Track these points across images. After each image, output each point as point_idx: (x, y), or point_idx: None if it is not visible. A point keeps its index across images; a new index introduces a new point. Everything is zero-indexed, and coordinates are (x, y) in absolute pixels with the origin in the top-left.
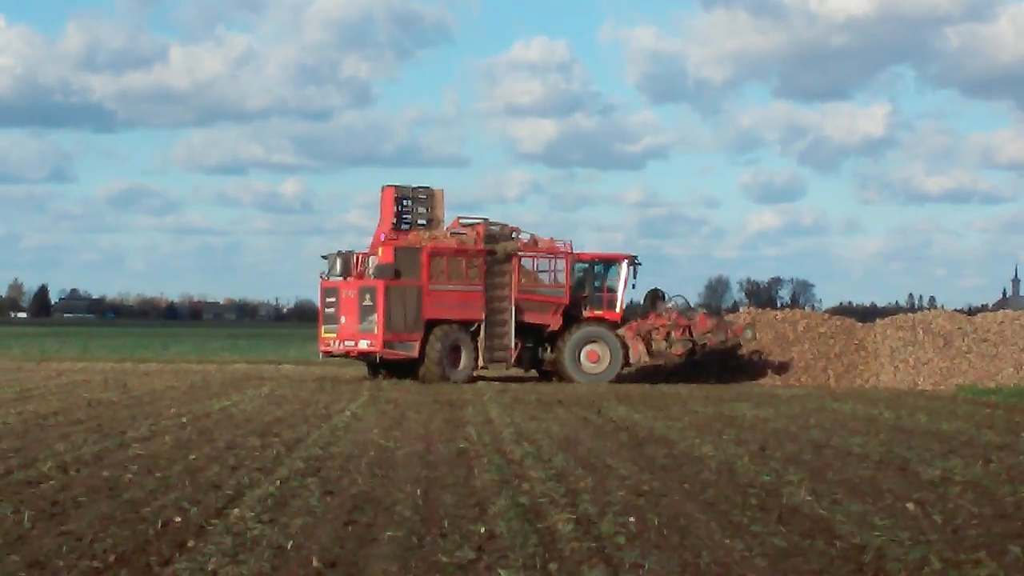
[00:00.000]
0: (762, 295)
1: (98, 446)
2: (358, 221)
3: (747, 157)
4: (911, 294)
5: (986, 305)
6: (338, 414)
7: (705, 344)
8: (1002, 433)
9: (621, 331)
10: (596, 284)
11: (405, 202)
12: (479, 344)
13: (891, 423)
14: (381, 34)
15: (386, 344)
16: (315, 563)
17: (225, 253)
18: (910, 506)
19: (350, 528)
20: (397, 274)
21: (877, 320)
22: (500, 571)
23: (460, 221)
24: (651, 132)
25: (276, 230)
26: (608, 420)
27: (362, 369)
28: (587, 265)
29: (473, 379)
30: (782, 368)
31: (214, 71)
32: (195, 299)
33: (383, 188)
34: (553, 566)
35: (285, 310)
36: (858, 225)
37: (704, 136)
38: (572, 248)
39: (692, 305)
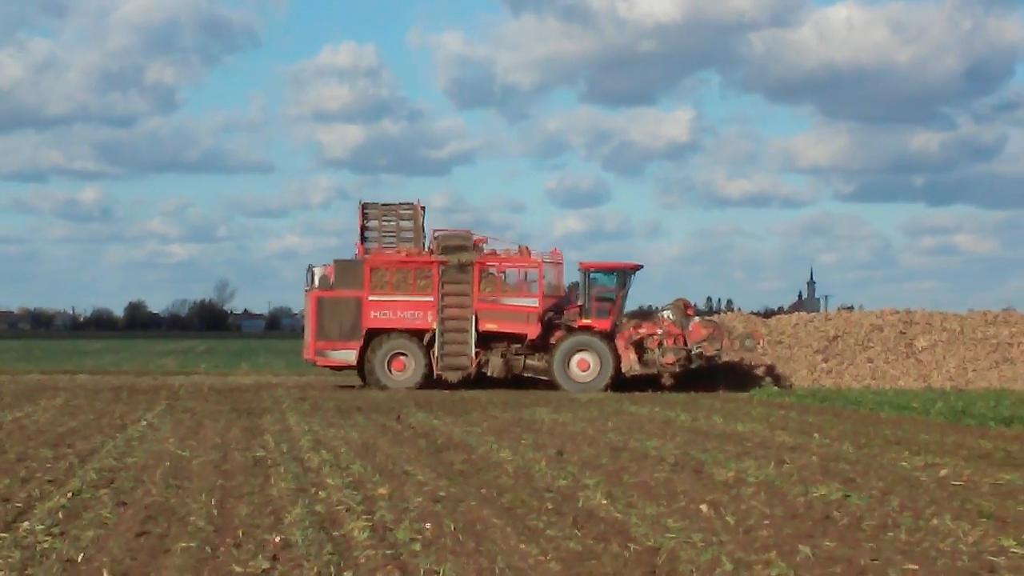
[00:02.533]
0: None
1: None
2: (160, 229)
3: (553, 162)
4: (709, 297)
5: (782, 307)
6: (133, 424)
7: (701, 353)
8: (795, 434)
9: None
10: (590, 293)
11: (387, 218)
12: (433, 353)
13: (687, 425)
14: (187, 39)
15: (318, 352)
16: (106, 575)
17: (22, 262)
18: (704, 508)
19: (142, 539)
20: (332, 286)
21: None
22: None
23: (434, 232)
24: (458, 138)
25: (75, 238)
26: (407, 426)
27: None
28: (584, 274)
29: (423, 386)
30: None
31: (14, 77)
32: None
33: (359, 203)
34: (348, 574)
35: (82, 319)
36: (661, 229)
37: (511, 141)
38: (561, 258)
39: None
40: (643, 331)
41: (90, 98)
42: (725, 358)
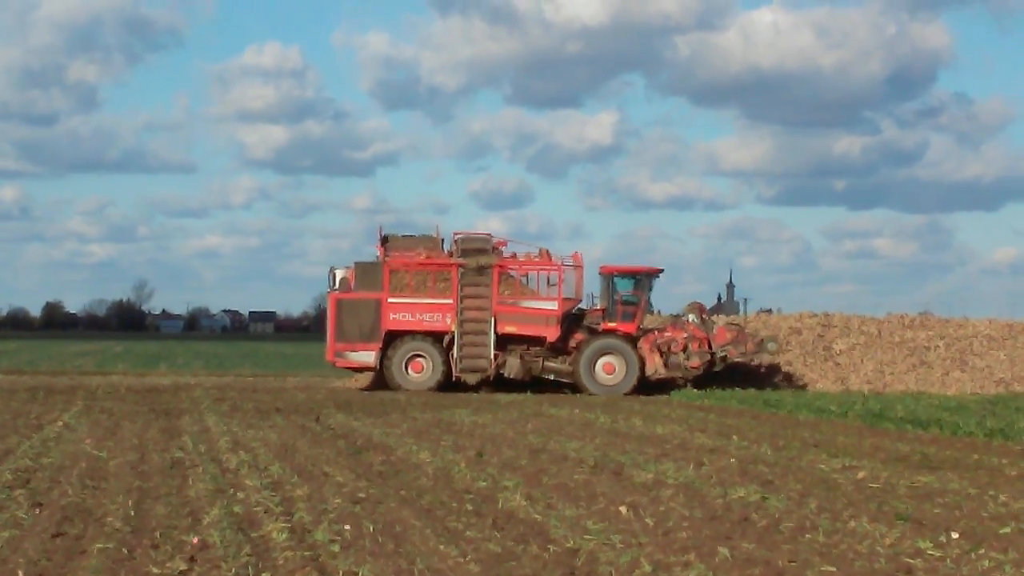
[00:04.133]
0: None
1: None
2: (79, 228)
3: (477, 164)
4: None
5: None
6: (50, 424)
7: (725, 356)
8: (714, 436)
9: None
10: (614, 297)
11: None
12: (452, 354)
13: (607, 427)
14: (110, 37)
15: (337, 354)
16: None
17: None
18: (623, 509)
19: (58, 540)
20: (352, 288)
21: None
22: None
23: (455, 236)
24: (382, 139)
25: None
26: (326, 427)
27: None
28: (606, 278)
29: (443, 388)
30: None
31: None
32: None
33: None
34: (266, 575)
35: None
36: (583, 231)
37: (435, 143)
38: (581, 261)
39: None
40: (668, 335)
41: (10, 96)
42: (749, 361)
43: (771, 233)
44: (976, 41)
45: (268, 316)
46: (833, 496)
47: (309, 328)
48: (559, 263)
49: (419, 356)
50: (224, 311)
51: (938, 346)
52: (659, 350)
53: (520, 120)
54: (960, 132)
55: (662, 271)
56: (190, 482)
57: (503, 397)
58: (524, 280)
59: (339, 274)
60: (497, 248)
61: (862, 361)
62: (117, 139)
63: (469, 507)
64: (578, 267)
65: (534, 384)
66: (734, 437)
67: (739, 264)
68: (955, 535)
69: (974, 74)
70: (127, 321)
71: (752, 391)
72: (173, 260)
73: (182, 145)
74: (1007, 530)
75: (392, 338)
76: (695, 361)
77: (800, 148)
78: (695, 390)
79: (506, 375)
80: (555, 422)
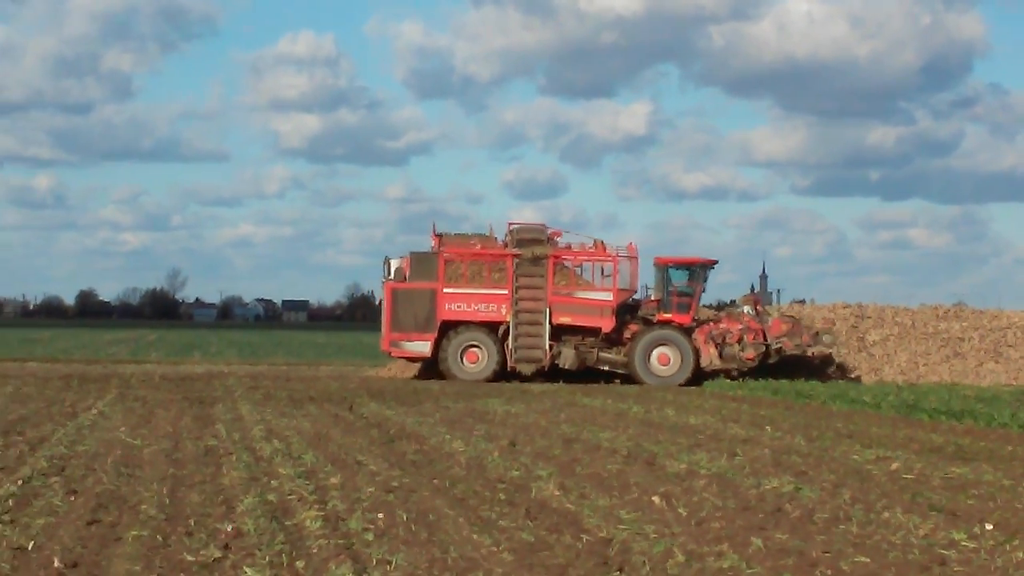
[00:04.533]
0: None
1: None
2: (113, 216)
3: (510, 153)
4: None
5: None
6: (84, 412)
7: (780, 348)
8: (747, 427)
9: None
10: (669, 288)
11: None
12: (507, 345)
13: (640, 417)
14: (145, 27)
15: (392, 343)
16: (56, 564)
17: None
18: (656, 499)
19: (93, 528)
20: (407, 278)
21: None
22: (246, 569)
23: (510, 226)
24: (415, 128)
25: (27, 225)
26: (359, 416)
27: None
28: (661, 269)
29: (497, 378)
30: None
31: None
32: None
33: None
34: (300, 564)
35: (32, 306)
36: (616, 221)
37: (468, 132)
38: (636, 252)
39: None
40: (723, 326)
41: (46, 84)
42: (805, 353)
43: (805, 224)
44: (1012, 31)
45: (301, 305)
46: (867, 487)
47: (342, 317)
48: (614, 254)
49: (474, 346)
50: (257, 300)
51: (972, 337)
52: (714, 341)
53: (553, 110)
54: (995, 122)
55: (717, 262)
56: (224, 470)
57: (536, 387)
58: (579, 271)
59: (394, 264)
60: (552, 239)
61: (895, 352)
62: (151, 128)
63: (502, 496)
64: (633, 258)
65: (587, 375)
66: (767, 428)
67: (772, 255)
68: (989, 526)
69: (1010, 64)
70: (161, 309)
71: (785, 382)
72: (206, 249)
73: (216, 134)
74: None
75: (447, 328)
76: (750, 352)
77: (834, 138)
78: (727, 380)
79: (561, 366)
80: (588, 412)
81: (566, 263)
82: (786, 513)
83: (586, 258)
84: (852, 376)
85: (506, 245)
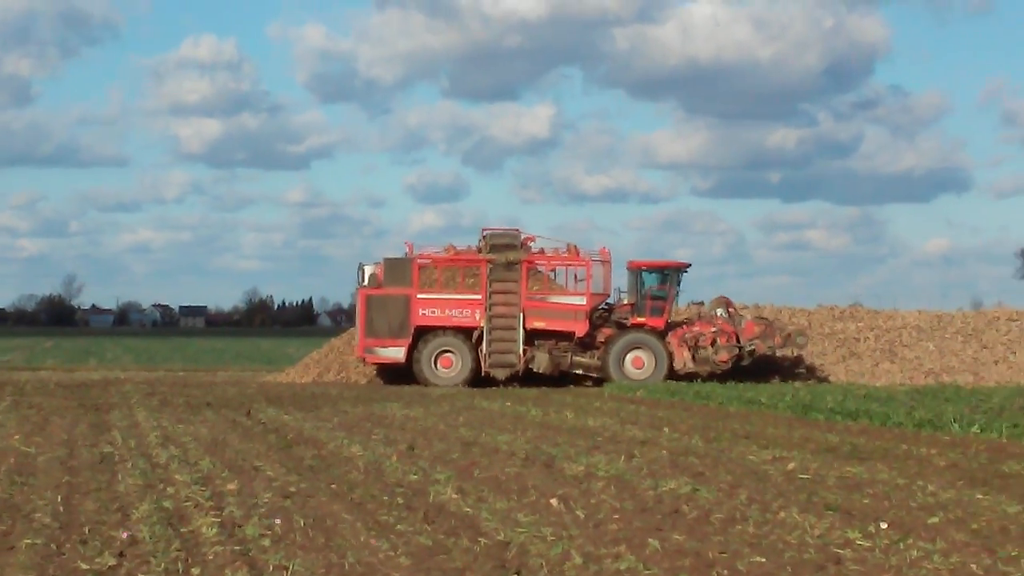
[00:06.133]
0: None
1: None
2: (10, 222)
3: (413, 157)
4: None
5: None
6: None
7: (753, 350)
8: (644, 428)
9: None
10: (642, 291)
11: None
12: (481, 350)
13: (538, 420)
14: (45, 31)
15: (367, 349)
16: None
17: None
18: (554, 502)
19: None
20: (381, 284)
21: None
22: None
23: (483, 231)
24: (317, 132)
25: None
26: (257, 422)
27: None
28: (634, 273)
29: (472, 384)
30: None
31: None
32: None
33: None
34: (196, 571)
35: None
36: (518, 224)
37: (371, 136)
38: (609, 256)
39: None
40: (696, 329)
41: None
42: (776, 354)
43: (705, 225)
44: (913, 34)
45: (199, 310)
46: (763, 487)
47: (240, 322)
48: (587, 258)
49: (448, 352)
50: (154, 305)
51: (868, 337)
52: (687, 344)
53: (456, 113)
54: (895, 124)
55: (690, 265)
56: (119, 477)
57: (435, 391)
58: (552, 276)
59: (368, 270)
60: (525, 244)
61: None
62: (50, 133)
63: (400, 501)
64: (606, 262)
65: (561, 379)
66: (665, 429)
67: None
68: (884, 525)
69: (910, 67)
70: (57, 316)
71: (682, 384)
72: (104, 255)
73: (116, 139)
74: (935, 520)
75: (421, 334)
76: (723, 355)
77: (736, 140)
78: (624, 383)
79: (535, 370)
80: (487, 415)
81: (539, 268)
82: (683, 514)
83: (559, 263)
84: (824, 377)
85: (480, 250)
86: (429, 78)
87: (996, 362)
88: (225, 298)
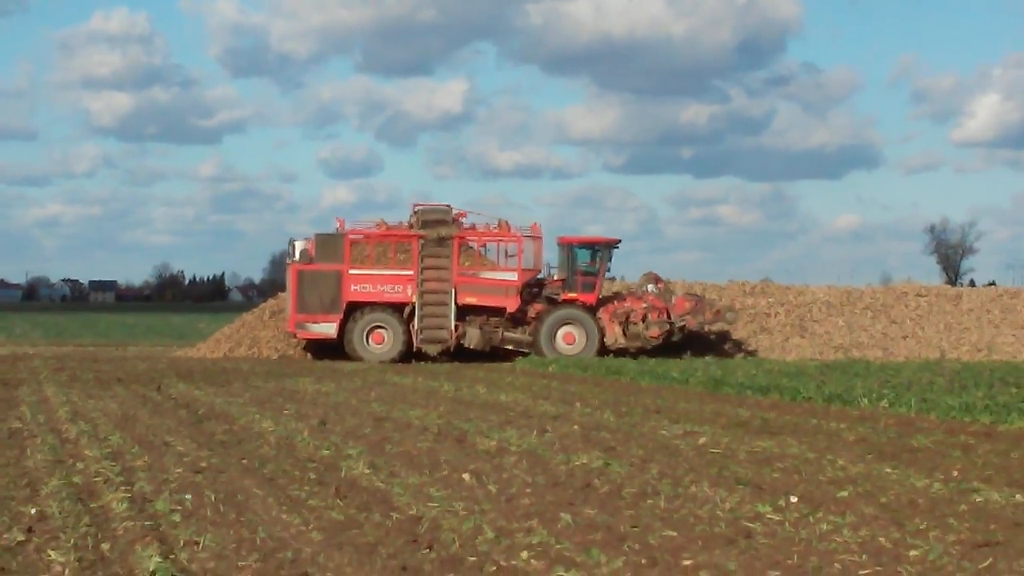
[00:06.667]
0: None
1: None
2: None
3: (326, 132)
4: None
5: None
6: None
7: (684, 326)
8: (557, 404)
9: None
10: (573, 267)
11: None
12: (413, 325)
13: (451, 395)
14: None
15: (298, 325)
16: None
17: None
18: (466, 477)
19: None
20: (313, 259)
21: None
22: (51, 552)
23: (415, 207)
24: (229, 106)
25: None
26: (168, 397)
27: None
28: (565, 248)
29: (405, 359)
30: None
31: None
32: None
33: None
34: (105, 546)
35: None
36: (431, 200)
37: (283, 110)
38: (540, 232)
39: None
40: (627, 305)
41: None
42: (707, 330)
43: (617, 201)
44: (825, 11)
45: (109, 285)
46: (674, 461)
47: (151, 297)
48: (518, 234)
49: (380, 327)
50: (64, 280)
51: (778, 313)
52: (618, 320)
53: (370, 88)
54: (807, 101)
55: (620, 241)
56: (28, 453)
57: (347, 365)
58: (484, 251)
59: (299, 245)
60: (457, 219)
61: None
62: None
63: (312, 476)
64: (537, 238)
65: (492, 355)
66: (577, 404)
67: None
68: (794, 499)
69: (822, 44)
70: None
71: (594, 359)
72: (12, 229)
73: (24, 112)
74: (844, 494)
75: (353, 309)
76: (654, 331)
77: (648, 116)
78: (538, 357)
79: (466, 346)
80: (399, 390)
81: (471, 244)
82: (595, 488)
83: (491, 238)
84: (751, 351)
85: (411, 226)
86: (343, 52)
87: (905, 337)
88: (136, 273)
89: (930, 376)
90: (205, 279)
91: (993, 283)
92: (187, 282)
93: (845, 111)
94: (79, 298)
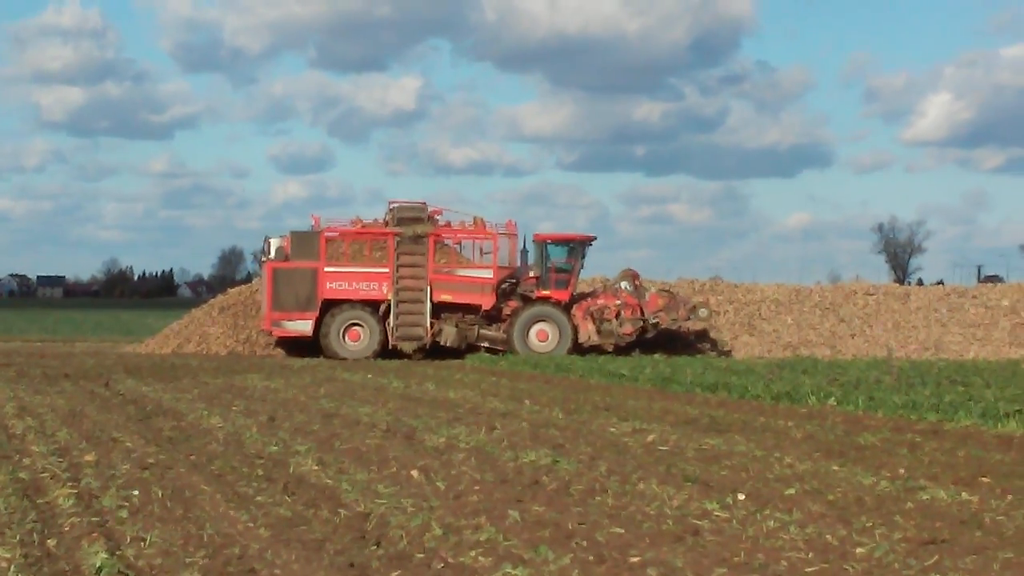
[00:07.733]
0: None
1: None
2: None
3: (278, 127)
4: None
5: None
6: None
7: (657, 323)
8: (506, 401)
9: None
10: (547, 265)
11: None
12: (389, 323)
13: (399, 392)
14: None
15: (273, 323)
16: None
17: None
18: (414, 473)
19: None
20: (288, 257)
21: None
22: None
23: (390, 204)
24: (181, 101)
25: None
26: (116, 393)
27: None
28: (540, 246)
29: (379, 356)
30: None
31: None
32: None
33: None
34: (52, 542)
35: None
36: (383, 196)
37: (235, 106)
38: (516, 229)
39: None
40: (601, 302)
41: None
42: (680, 327)
43: (569, 198)
44: (779, 10)
45: (57, 280)
46: (623, 459)
47: (99, 293)
48: (494, 232)
49: (356, 325)
50: (11, 275)
51: (727, 311)
52: (592, 317)
53: (323, 83)
54: (760, 99)
55: (595, 238)
56: None
57: (296, 362)
58: (459, 249)
59: (275, 243)
60: (432, 217)
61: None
62: None
63: (260, 472)
64: (512, 236)
65: (468, 352)
66: (526, 401)
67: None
68: (742, 496)
69: (776, 42)
70: None
71: (543, 356)
72: None
73: None
74: (792, 491)
75: (329, 307)
76: (628, 328)
77: (601, 114)
78: (488, 355)
79: (442, 343)
80: (348, 387)
81: (446, 241)
82: (543, 485)
83: (466, 236)
84: (725, 350)
85: (387, 224)
86: (296, 48)
87: (853, 335)
88: (84, 268)
89: (877, 374)
90: (154, 275)
91: (941, 282)
92: (136, 278)
93: (798, 110)
94: (27, 293)
